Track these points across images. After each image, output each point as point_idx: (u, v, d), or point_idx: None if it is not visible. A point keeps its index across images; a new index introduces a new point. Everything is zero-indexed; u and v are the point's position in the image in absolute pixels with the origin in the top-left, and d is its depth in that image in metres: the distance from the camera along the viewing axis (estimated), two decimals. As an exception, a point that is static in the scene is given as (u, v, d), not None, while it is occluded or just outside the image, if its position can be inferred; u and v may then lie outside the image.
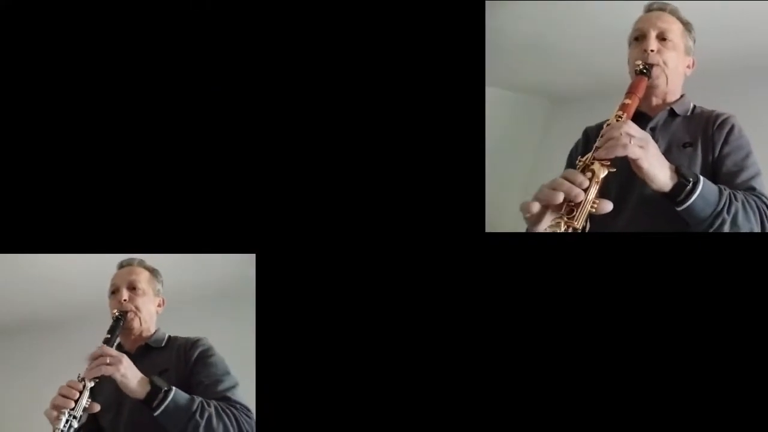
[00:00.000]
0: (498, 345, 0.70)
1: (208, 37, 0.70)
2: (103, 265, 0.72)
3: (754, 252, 0.67)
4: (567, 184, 0.44)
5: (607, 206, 0.45)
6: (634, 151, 0.43)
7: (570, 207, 0.44)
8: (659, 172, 0.44)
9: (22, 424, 1.05)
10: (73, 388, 0.53)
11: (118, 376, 0.53)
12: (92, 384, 0.53)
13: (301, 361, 0.69)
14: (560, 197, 0.44)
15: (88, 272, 0.89)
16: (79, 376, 0.54)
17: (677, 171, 0.45)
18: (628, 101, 0.49)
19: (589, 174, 0.45)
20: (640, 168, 0.44)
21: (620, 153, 0.44)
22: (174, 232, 0.74)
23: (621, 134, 0.44)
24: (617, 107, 0.49)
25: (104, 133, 0.73)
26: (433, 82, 0.71)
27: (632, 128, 0.45)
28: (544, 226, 0.46)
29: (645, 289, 0.68)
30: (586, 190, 0.44)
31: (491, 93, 0.70)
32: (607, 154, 0.44)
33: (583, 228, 0.44)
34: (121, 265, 0.65)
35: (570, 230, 0.44)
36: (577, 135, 0.64)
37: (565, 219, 0.44)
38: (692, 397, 0.67)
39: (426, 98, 0.70)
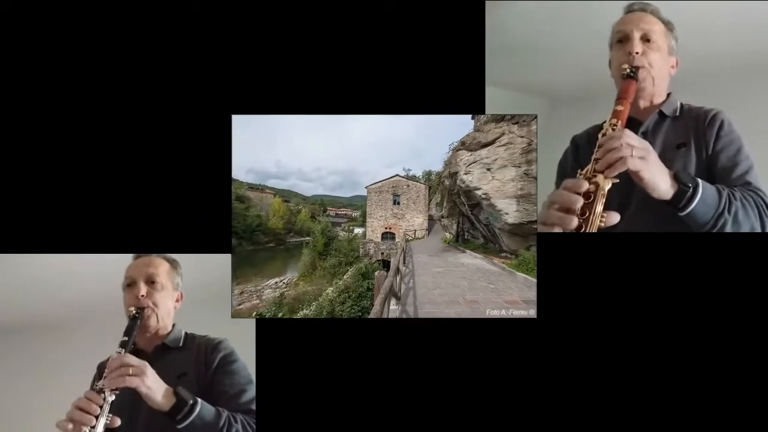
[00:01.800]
0: (498, 345, 0.70)
1: (217, 47, 0.70)
2: (107, 264, 0.72)
3: (753, 251, 0.67)
4: (566, 195, 0.43)
5: (615, 218, 0.44)
6: (635, 164, 0.42)
7: (579, 223, 0.43)
8: (660, 181, 0.43)
9: (23, 423, 1.06)
10: (92, 401, 0.46)
11: (143, 389, 0.47)
12: (113, 397, 0.47)
13: (301, 361, 0.69)
14: (574, 223, 0.42)
15: (90, 273, 0.89)
16: (96, 386, 0.47)
17: (676, 178, 0.44)
18: (620, 108, 0.48)
19: (593, 187, 0.43)
20: (641, 179, 0.42)
21: (622, 169, 0.43)
22: (175, 232, 0.75)
23: (622, 145, 0.42)
24: (610, 114, 0.47)
25: (105, 136, 0.73)
26: (433, 82, 0.71)
27: (632, 138, 0.43)
28: None
29: (646, 289, 0.68)
30: (592, 203, 0.42)
31: (491, 93, 0.70)
32: (611, 172, 0.42)
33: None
34: (138, 255, 0.59)
35: None
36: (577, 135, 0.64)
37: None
38: (691, 395, 0.67)
39: (426, 98, 0.70)
